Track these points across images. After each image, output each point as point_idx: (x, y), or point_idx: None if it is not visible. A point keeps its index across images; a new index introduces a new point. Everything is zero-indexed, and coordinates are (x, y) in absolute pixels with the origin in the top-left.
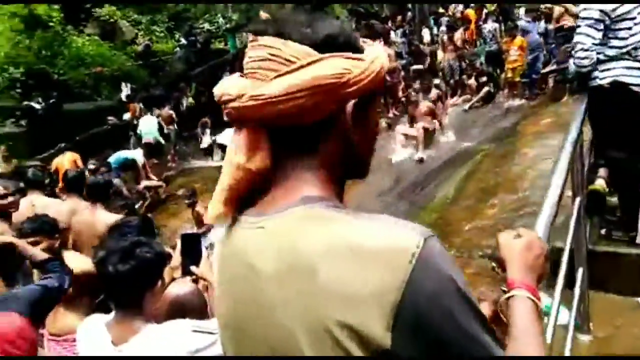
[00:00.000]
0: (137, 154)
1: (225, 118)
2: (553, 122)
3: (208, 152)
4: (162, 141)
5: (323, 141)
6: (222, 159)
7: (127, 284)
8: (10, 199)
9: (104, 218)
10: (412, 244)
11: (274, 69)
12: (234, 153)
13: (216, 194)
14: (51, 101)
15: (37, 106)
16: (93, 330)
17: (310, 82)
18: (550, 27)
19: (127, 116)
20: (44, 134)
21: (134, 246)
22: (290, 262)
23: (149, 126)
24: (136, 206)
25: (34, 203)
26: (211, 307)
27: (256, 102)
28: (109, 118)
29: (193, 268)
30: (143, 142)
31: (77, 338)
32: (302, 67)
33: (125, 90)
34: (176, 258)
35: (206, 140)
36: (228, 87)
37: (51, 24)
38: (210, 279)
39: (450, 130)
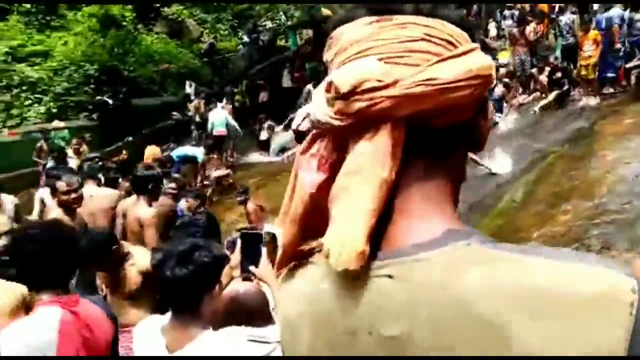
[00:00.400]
0: (199, 152)
1: (332, 114)
2: (635, 123)
3: (264, 147)
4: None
5: (458, 148)
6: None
7: (184, 289)
8: (74, 195)
9: (139, 212)
10: (626, 289)
11: (433, 52)
12: (370, 164)
13: (348, 224)
14: (121, 96)
15: (110, 101)
16: (148, 333)
17: (476, 71)
18: (638, 16)
19: (191, 112)
20: (113, 128)
21: (193, 250)
22: (458, 326)
23: (220, 118)
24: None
25: (91, 194)
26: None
27: (426, 89)
28: (174, 113)
29: (252, 268)
30: (214, 134)
31: (134, 339)
32: (465, 53)
33: (190, 89)
34: (235, 257)
35: (263, 135)
36: (368, 73)
37: (124, 23)
38: (271, 281)
39: (517, 130)
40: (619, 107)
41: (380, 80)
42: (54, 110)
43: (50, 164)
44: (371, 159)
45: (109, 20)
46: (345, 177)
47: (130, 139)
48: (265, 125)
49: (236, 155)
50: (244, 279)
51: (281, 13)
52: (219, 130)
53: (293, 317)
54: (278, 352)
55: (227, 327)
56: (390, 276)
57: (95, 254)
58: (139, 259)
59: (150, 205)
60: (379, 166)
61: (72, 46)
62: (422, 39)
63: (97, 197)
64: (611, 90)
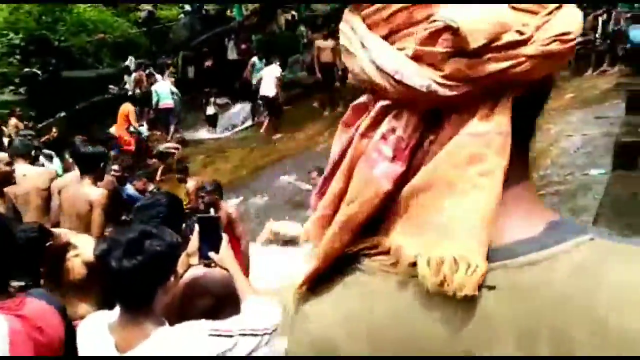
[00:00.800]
0: (141, 128)
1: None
2: (575, 98)
3: (212, 122)
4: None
5: (534, 120)
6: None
7: (134, 282)
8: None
9: (88, 192)
10: None
11: None
12: (494, 151)
13: (466, 234)
14: (51, 68)
15: (39, 73)
16: (94, 331)
17: (579, 24)
18: None
19: (129, 85)
20: (44, 102)
21: (143, 237)
22: (593, 348)
23: (165, 90)
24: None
25: (24, 173)
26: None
27: (561, 47)
28: (110, 87)
29: (212, 254)
30: (160, 106)
31: (78, 337)
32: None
33: (129, 62)
34: (193, 244)
35: (210, 110)
36: (504, 20)
37: None
38: (232, 268)
39: None
40: (560, 82)
41: (521, 33)
42: None
43: None
44: (496, 144)
45: None
46: (454, 168)
47: (63, 114)
48: (212, 100)
49: (181, 131)
50: (205, 266)
51: None
52: (166, 102)
53: (335, 341)
54: (242, 346)
55: (187, 319)
56: (492, 287)
57: (26, 255)
58: (84, 249)
59: (95, 185)
60: (502, 153)
61: None
62: None
63: (30, 176)
64: None
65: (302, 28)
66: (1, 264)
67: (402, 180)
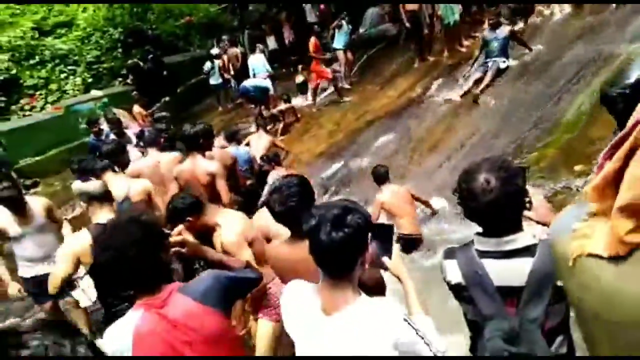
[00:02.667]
0: (268, 83)
1: None
2: None
3: (302, 89)
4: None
5: None
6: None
7: (340, 252)
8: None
9: (203, 166)
10: None
11: None
12: None
13: None
14: (150, 56)
15: (141, 63)
16: (302, 295)
17: None
18: None
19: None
20: (149, 90)
21: (346, 213)
22: None
23: (260, 63)
24: (268, 127)
25: (158, 160)
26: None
27: None
28: (204, 68)
29: (386, 260)
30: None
31: (282, 303)
32: None
33: (216, 48)
34: (369, 249)
35: (299, 78)
36: None
37: None
38: (403, 275)
39: (574, 34)
40: None
41: None
42: (90, 80)
43: (107, 130)
44: None
45: None
46: None
47: (167, 99)
48: (299, 67)
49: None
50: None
51: None
52: (262, 74)
53: None
54: (420, 349)
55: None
56: None
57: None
58: (225, 232)
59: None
60: None
61: (92, 12)
62: None
63: (164, 163)
64: None
65: None
66: (153, 267)
67: None
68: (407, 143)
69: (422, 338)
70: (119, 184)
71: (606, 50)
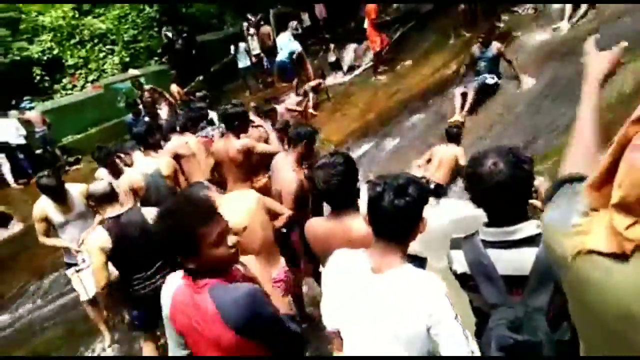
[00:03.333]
0: (296, 45)
1: None
2: None
3: (335, 67)
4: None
5: None
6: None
7: (401, 219)
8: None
9: (235, 145)
10: None
11: None
12: None
13: None
14: (184, 35)
15: (175, 43)
16: (351, 259)
17: None
18: None
19: (255, 42)
20: (183, 69)
21: (408, 183)
22: None
23: (286, 38)
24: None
25: (187, 141)
26: None
27: None
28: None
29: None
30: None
31: (326, 271)
32: None
33: (248, 23)
34: (363, 207)
35: (332, 57)
36: None
37: None
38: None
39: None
40: None
41: None
42: (127, 59)
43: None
44: None
45: None
46: None
47: (200, 78)
48: (332, 46)
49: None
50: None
51: None
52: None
53: None
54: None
55: None
56: None
57: None
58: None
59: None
60: None
61: None
62: None
63: (193, 144)
64: None
65: None
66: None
67: None
68: (439, 122)
69: (459, 323)
70: (148, 162)
71: None
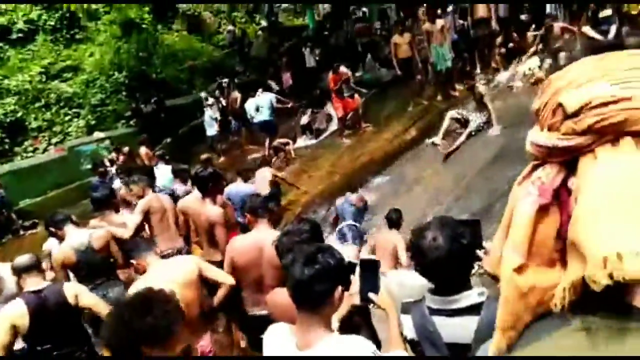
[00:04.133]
0: (271, 96)
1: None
2: None
3: (306, 130)
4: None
5: None
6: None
7: (310, 287)
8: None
9: (208, 211)
10: None
11: None
12: (631, 182)
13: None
14: (154, 100)
15: (143, 107)
16: (280, 335)
17: None
18: None
19: (221, 104)
20: (152, 132)
21: (318, 252)
22: None
23: (267, 99)
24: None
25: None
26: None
27: None
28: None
29: (372, 295)
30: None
31: (264, 343)
32: None
33: (214, 93)
34: (354, 284)
35: (304, 120)
36: (598, 92)
37: (144, 25)
38: (391, 312)
39: None
40: None
41: (613, 96)
42: (93, 123)
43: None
44: (629, 173)
45: (128, 25)
46: (602, 197)
47: (168, 140)
48: (305, 109)
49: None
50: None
51: None
52: (267, 112)
53: None
54: None
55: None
56: None
57: None
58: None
59: (214, 203)
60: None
61: (99, 56)
62: None
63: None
64: None
65: (377, 25)
66: None
67: (548, 213)
68: (402, 186)
69: None
70: (80, 234)
71: None
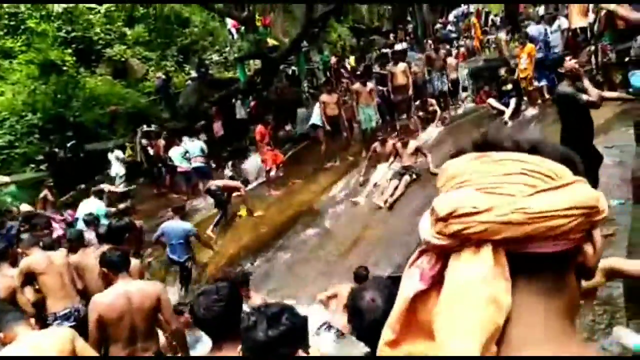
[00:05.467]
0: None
1: (434, 239)
2: None
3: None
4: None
5: (565, 274)
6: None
7: (274, 349)
8: None
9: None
10: None
11: (530, 184)
12: (483, 282)
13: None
14: (70, 144)
15: (58, 151)
16: None
17: (574, 203)
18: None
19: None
20: (65, 177)
21: (282, 312)
22: None
23: (197, 148)
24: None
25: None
26: None
27: (519, 217)
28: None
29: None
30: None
31: None
32: (563, 185)
33: (116, 159)
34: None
35: (228, 172)
36: (463, 201)
37: (65, 67)
38: None
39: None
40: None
41: (474, 207)
42: None
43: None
44: (475, 279)
45: (48, 66)
46: (447, 297)
47: (82, 186)
48: (229, 163)
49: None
50: None
51: (228, 46)
52: (197, 159)
53: None
54: None
55: None
56: None
57: None
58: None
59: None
60: (484, 286)
61: (11, 96)
62: (520, 173)
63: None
64: (548, 96)
65: (305, 83)
66: None
67: (425, 297)
68: (329, 239)
69: None
70: None
71: None
